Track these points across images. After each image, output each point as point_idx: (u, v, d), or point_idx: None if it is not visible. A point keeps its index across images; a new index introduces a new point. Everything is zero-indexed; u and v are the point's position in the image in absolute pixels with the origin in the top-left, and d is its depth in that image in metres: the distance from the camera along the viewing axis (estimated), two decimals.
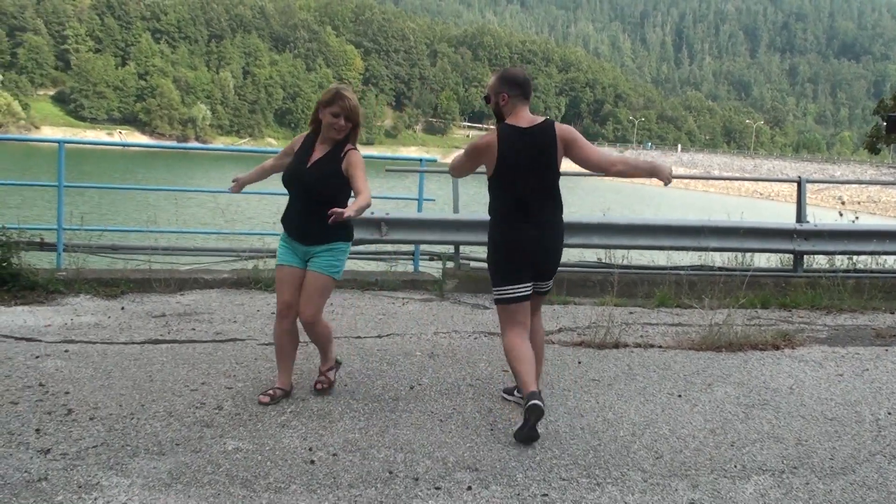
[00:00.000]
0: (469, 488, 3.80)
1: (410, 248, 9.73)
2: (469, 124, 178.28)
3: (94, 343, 6.06)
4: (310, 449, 4.18)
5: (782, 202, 72.98)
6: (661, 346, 6.66)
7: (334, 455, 4.11)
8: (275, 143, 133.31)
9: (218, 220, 11.27)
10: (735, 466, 4.19)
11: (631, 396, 5.28)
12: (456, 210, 9.23)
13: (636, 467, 4.12)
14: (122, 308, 7.32)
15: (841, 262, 9.91)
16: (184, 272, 8.71)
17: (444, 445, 4.30)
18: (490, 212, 4.83)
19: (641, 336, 7.00)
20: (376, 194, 9.44)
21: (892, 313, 8.45)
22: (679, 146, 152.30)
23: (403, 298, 8.34)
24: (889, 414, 5.13)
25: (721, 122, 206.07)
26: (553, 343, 6.63)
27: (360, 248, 9.25)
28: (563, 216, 4.84)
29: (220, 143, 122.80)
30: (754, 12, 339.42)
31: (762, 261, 10.27)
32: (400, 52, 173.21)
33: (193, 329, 6.63)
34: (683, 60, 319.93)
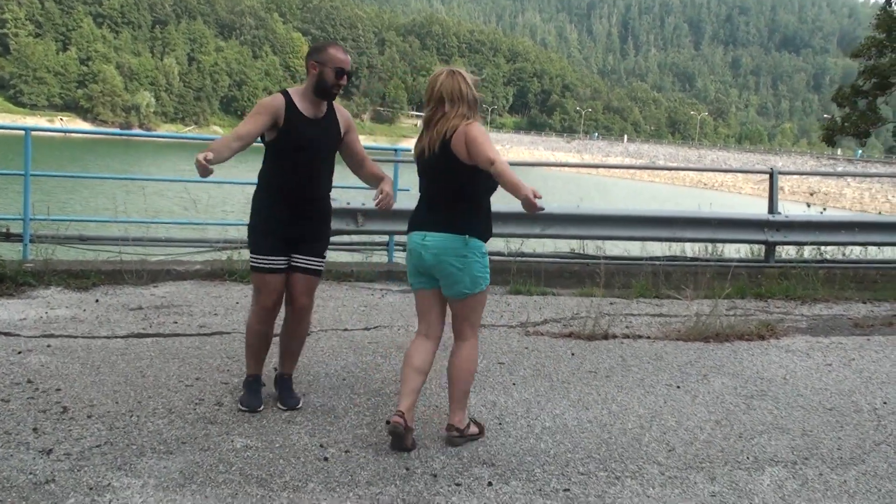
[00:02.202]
0: (489, 484, 3.75)
1: (385, 238, 9.63)
2: (417, 113, 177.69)
3: (76, 337, 5.88)
4: (321, 445, 4.08)
5: (725, 192, 74.23)
6: (649, 337, 6.67)
7: (347, 452, 4.03)
8: (220, 132, 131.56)
9: (190, 209, 11.05)
10: (747, 458, 4.19)
11: (631, 388, 5.27)
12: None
13: (651, 460, 4.10)
14: (97, 301, 7.12)
15: (810, 252, 10.05)
16: (155, 263, 8.51)
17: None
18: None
19: (627, 327, 7.00)
20: (351, 184, 9.38)
21: (865, 303, 8.57)
22: (625, 136, 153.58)
23: (381, 290, 8.25)
24: (885, 403, 5.19)
25: (666, 112, 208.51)
26: (542, 335, 6.61)
27: (336, 238, 9.13)
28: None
29: (165, 130, 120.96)
30: (698, 5, 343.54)
31: (732, 251, 10.38)
32: (348, 40, 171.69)
33: (175, 322, 6.47)
34: (629, 51, 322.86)
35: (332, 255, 9.90)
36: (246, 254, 8.77)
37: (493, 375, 5.41)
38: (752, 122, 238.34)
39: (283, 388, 4.70)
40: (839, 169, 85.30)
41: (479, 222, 4.16)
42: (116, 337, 5.95)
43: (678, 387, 5.34)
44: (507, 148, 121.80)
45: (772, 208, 9.49)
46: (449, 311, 4.36)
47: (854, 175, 63.98)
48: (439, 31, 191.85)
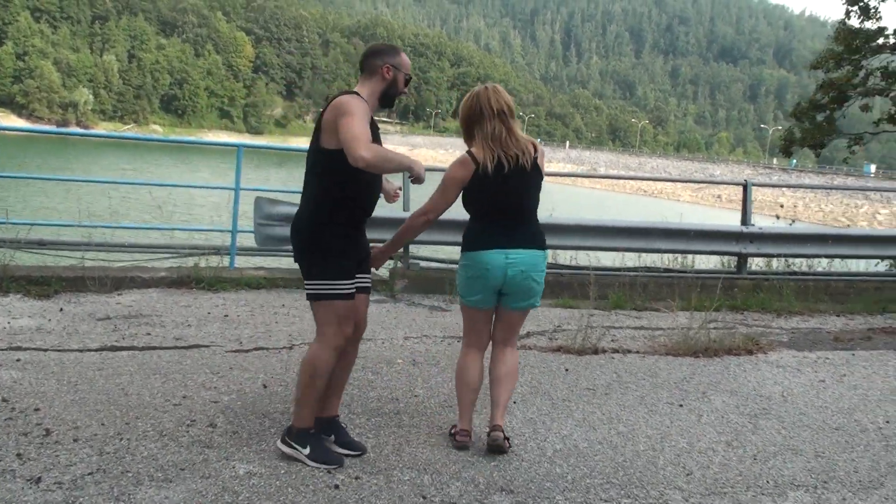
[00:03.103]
0: None
1: None
2: None
3: (46, 350, 5.56)
4: (328, 472, 3.86)
5: (664, 199, 75.13)
6: (638, 352, 6.55)
7: (357, 479, 3.81)
8: (160, 131, 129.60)
9: (154, 214, 10.67)
10: (767, 482, 4.08)
11: (633, 406, 5.14)
12: (406, 208, 8.94)
13: (672, 485, 3.96)
14: (61, 310, 6.78)
15: (778, 264, 10.07)
16: (118, 270, 8.18)
17: (469, 465, 4.05)
18: None
19: (613, 340, 6.88)
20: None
21: (839, 316, 8.60)
22: (567, 143, 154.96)
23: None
24: (888, 422, 5.13)
25: (607, 120, 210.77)
26: (530, 348, 6.46)
27: None
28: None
29: (103, 128, 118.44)
30: (640, 14, 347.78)
31: (701, 263, 10.36)
32: (292, 40, 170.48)
33: (149, 334, 6.17)
34: (572, 58, 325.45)
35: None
36: (213, 260, 8.56)
37: (489, 390, 5.22)
38: (690, 131, 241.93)
39: (340, 430, 4.18)
40: (774, 178, 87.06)
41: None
42: (89, 350, 5.64)
43: (681, 405, 5.22)
44: (451, 152, 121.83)
45: (745, 220, 9.47)
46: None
47: (829, 188, 65.18)
48: (384, 34, 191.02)
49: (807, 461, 4.40)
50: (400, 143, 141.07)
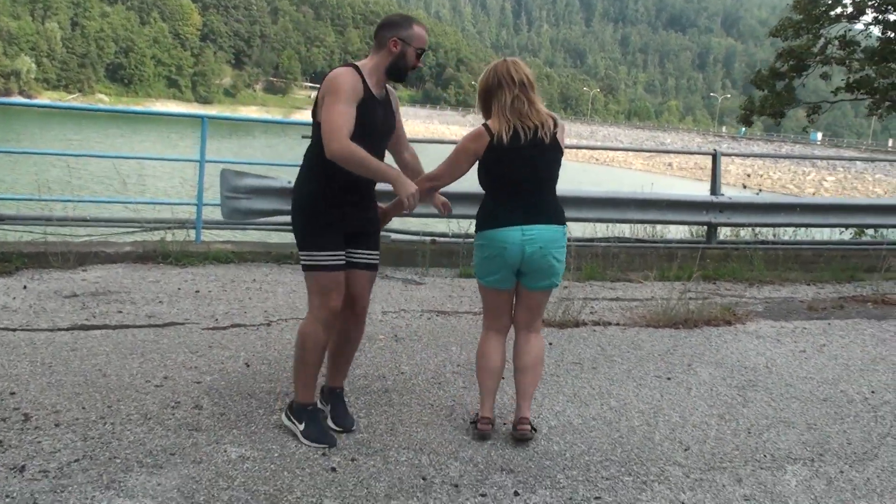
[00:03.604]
0: (516, 493, 3.49)
1: None
2: (311, 84, 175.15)
3: (15, 330, 5.36)
4: (323, 454, 3.75)
5: (616, 167, 75.49)
6: (618, 324, 6.52)
7: (353, 460, 3.71)
8: (106, 100, 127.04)
9: (117, 187, 10.37)
10: (764, 456, 4.05)
11: (622, 381, 5.09)
12: None
13: (671, 461, 3.92)
14: (25, 287, 6.55)
15: (746, 233, 10.13)
16: (81, 245, 7.93)
17: (466, 444, 3.97)
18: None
19: (592, 312, 6.83)
20: (289, 162, 8.96)
21: (809, 284, 8.65)
22: None
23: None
24: (873, 392, 5.15)
25: (558, 88, 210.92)
26: None
27: (272, 218, 8.70)
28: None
29: (47, 98, 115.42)
30: None
31: (670, 233, 10.38)
32: (240, 8, 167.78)
33: (120, 312, 5.98)
34: (522, 27, 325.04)
35: (268, 236, 9.49)
36: (180, 234, 8.35)
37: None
38: (640, 99, 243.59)
39: (336, 403, 4.16)
40: (724, 146, 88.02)
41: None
42: (60, 329, 5.45)
43: (668, 378, 5.19)
44: (404, 121, 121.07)
45: (714, 189, 9.49)
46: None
47: (793, 157, 65.79)
48: (333, 2, 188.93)
49: (800, 434, 4.39)
50: None
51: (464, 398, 4.61)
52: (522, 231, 3.87)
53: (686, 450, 4.08)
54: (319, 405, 4.09)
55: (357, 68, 3.83)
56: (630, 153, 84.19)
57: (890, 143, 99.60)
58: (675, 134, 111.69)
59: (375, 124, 3.89)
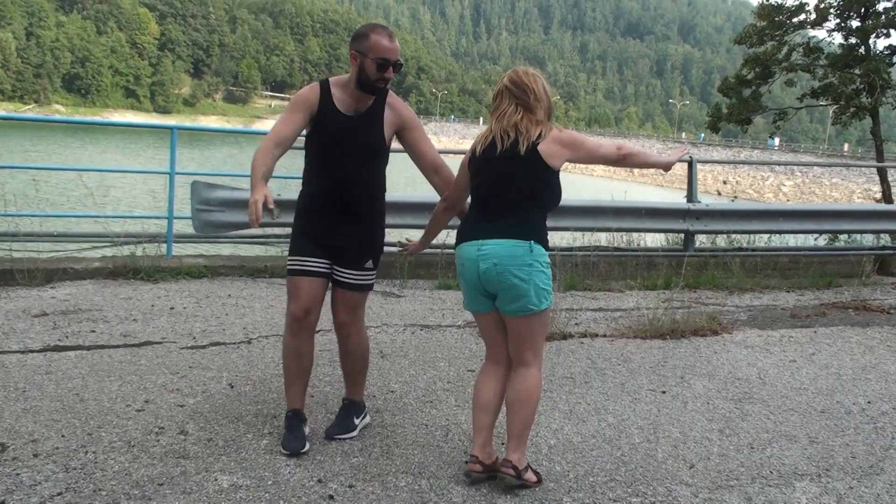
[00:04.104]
0: None
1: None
2: (271, 94, 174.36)
3: None
4: (319, 480, 3.58)
5: (578, 174, 75.78)
6: (605, 336, 6.42)
7: (351, 487, 3.54)
8: (63, 111, 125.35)
9: (85, 201, 10.08)
10: (771, 472, 3.96)
11: (616, 395, 4.98)
12: None
13: (677, 480, 3.81)
14: None
15: (721, 240, 10.11)
16: (48, 261, 7.69)
17: (464, 467, 3.81)
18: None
19: (577, 324, 6.73)
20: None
21: (789, 291, 8.64)
22: (481, 119, 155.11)
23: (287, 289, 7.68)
24: (870, 403, 5.09)
25: None
26: None
27: (245, 231, 8.51)
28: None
29: (2, 109, 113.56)
30: None
31: (645, 241, 10.32)
32: (198, 17, 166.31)
33: (93, 331, 5.77)
34: (482, 35, 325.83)
35: (240, 249, 9.29)
36: (151, 249, 8.13)
37: (468, 385, 5.00)
38: (600, 106, 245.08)
39: (340, 412, 4.22)
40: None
41: (544, 229, 3.69)
42: (32, 351, 5.23)
43: (663, 392, 5.09)
44: None
45: (691, 196, 9.44)
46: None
47: (770, 164, 66.20)
48: (292, 10, 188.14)
49: (803, 448, 4.31)
50: None
51: (458, 417, 4.46)
52: (478, 247, 3.59)
53: (691, 468, 3.97)
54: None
55: (325, 83, 3.92)
56: None
57: (846, 147, 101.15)
58: (635, 140, 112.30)
59: (335, 139, 3.87)
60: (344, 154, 3.88)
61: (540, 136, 3.61)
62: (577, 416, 4.60)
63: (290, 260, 4.00)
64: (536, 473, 3.66)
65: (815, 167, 67.92)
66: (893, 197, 13.93)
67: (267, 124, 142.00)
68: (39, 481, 3.42)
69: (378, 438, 4.11)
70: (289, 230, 8.96)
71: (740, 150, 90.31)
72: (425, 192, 5.78)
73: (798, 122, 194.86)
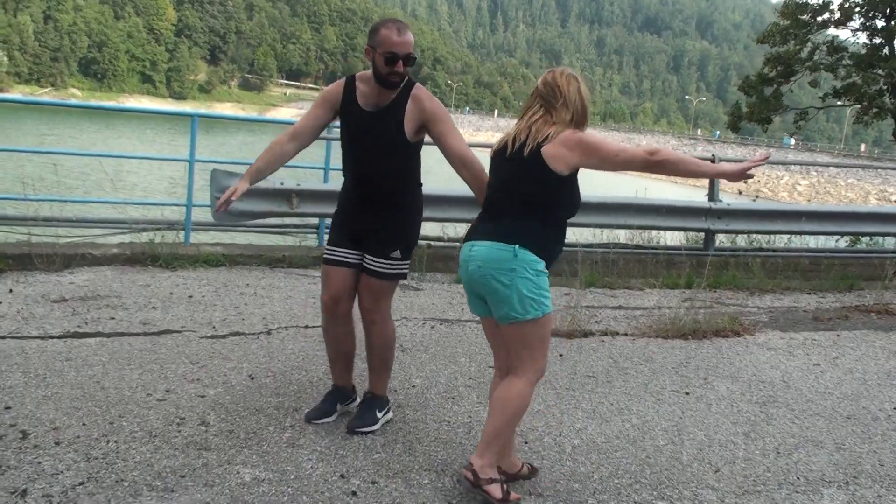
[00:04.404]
0: None
1: (314, 220, 9.02)
2: (287, 82, 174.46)
3: (4, 338, 5.11)
4: (341, 476, 3.55)
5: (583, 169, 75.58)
6: (626, 334, 6.36)
7: (374, 483, 3.51)
8: (79, 95, 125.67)
9: (105, 187, 10.08)
10: (798, 479, 3.90)
11: (639, 395, 4.93)
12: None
13: (703, 484, 3.76)
14: (10, 290, 6.30)
15: (741, 240, 10.03)
16: (67, 246, 7.68)
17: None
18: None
19: (598, 322, 6.67)
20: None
21: (810, 293, 8.56)
22: (496, 111, 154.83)
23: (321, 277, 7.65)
24: (895, 409, 5.03)
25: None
26: None
27: (267, 220, 8.50)
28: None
29: (18, 92, 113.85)
30: None
31: (665, 239, 10.26)
32: (215, 3, 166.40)
33: (112, 318, 5.74)
34: (498, 27, 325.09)
35: (258, 238, 9.27)
36: (170, 236, 8.12)
37: (489, 381, 4.95)
38: (615, 101, 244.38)
39: (360, 406, 4.22)
40: (699, 149, 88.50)
41: (540, 234, 3.44)
42: (52, 337, 5.21)
43: (686, 393, 5.04)
44: None
45: (712, 195, 9.37)
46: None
47: (799, 164, 65.92)
48: None
49: (830, 454, 4.25)
50: None
51: (480, 414, 4.42)
52: (470, 247, 3.50)
53: (717, 471, 3.92)
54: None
55: (351, 78, 4.01)
56: None
57: (863, 147, 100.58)
58: (650, 136, 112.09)
59: (355, 133, 3.94)
60: (363, 150, 3.93)
61: (547, 137, 3.42)
62: (600, 415, 4.56)
63: (324, 249, 4.14)
64: (507, 493, 3.39)
65: (831, 167, 67.54)
66: None
67: (281, 112, 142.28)
68: (61, 470, 3.40)
69: (400, 434, 4.07)
70: (306, 220, 9.00)
71: (756, 147, 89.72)
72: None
73: (815, 122, 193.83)
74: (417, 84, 3.93)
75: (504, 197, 3.51)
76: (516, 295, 3.36)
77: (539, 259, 3.40)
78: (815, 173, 69.24)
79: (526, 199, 3.45)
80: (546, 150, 3.40)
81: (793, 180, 70.48)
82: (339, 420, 4.17)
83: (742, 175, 3.34)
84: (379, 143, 3.90)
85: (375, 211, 3.96)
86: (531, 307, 3.37)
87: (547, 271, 3.45)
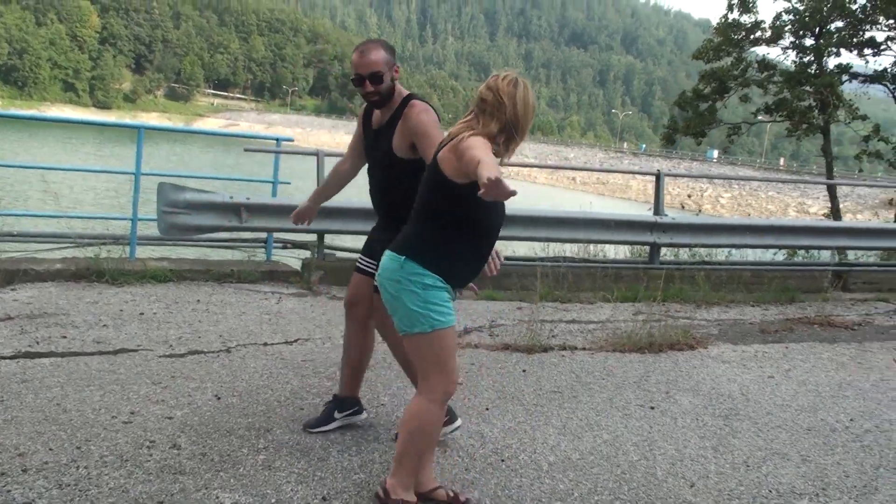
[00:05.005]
0: None
1: (263, 235, 8.90)
2: (214, 92, 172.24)
3: None
4: (323, 498, 3.49)
5: (521, 181, 76.33)
6: (585, 349, 6.41)
7: None
8: None
9: (48, 201, 9.78)
10: (770, 491, 3.97)
11: (606, 410, 4.97)
12: None
13: (680, 499, 3.79)
14: None
15: (684, 254, 10.21)
16: (7, 262, 7.44)
17: (469, 484, 3.76)
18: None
19: (554, 336, 6.71)
20: (233, 176, 8.63)
21: (753, 306, 8.74)
22: None
23: (272, 293, 7.57)
24: (852, 420, 5.16)
25: (463, 101, 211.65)
26: (477, 346, 6.20)
27: (213, 235, 8.36)
28: None
29: None
30: None
31: (606, 253, 10.39)
32: (140, 11, 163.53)
33: (64, 337, 5.58)
34: (428, 39, 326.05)
35: (206, 252, 9.12)
36: (115, 250, 7.93)
37: (458, 398, 4.93)
38: (543, 114, 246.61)
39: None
40: (625, 162, 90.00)
41: (430, 247, 3.29)
42: (3, 358, 5.03)
43: (652, 407, 5.09)
44: (308, 131, 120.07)
45: (657, 210, 9.51)
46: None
47: (732, 178, 67.05)
48: (238, 8, 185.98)
49: (797, 466, 4.33)
50: (256, 120, 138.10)
51: (455, 432, 4.40)
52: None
53: (692, 486, 3.96)
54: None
55: None
56: (534, 168, 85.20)
57: (781, 161, 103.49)
58: (578, 149, 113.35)
59: (364, 151, 4.22)
60: (371, 166, 4.16)
61: (450, 140, 3.27)
62: (571, 431, 4.57)
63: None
64: None
65: (753, 181, 69.26)
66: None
67: (208, 122, 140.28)
68: (33, 499, 3.27)
69: (377, 454, 4.03)
70: (255, 235, 8.87)
71: (679, 161, 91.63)
72: None
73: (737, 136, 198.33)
74: (413, 101, 3.94)
75: (415, 204, 3.43)
76: (401, 307, 3.27)
77: (427, 272, 3.24)
78: (737, 186, 70.91)
79: (421, 206, 3.36)
80: (440, 155, 3.27)
81: (716, 193, 72.03)
82: (314, 439, 4.11)
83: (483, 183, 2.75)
84: (377, 159, 4.09)
85: (384, 223, 4.12)
86: (417, 321, 3.24)
87: (444, 286, 3.27)
